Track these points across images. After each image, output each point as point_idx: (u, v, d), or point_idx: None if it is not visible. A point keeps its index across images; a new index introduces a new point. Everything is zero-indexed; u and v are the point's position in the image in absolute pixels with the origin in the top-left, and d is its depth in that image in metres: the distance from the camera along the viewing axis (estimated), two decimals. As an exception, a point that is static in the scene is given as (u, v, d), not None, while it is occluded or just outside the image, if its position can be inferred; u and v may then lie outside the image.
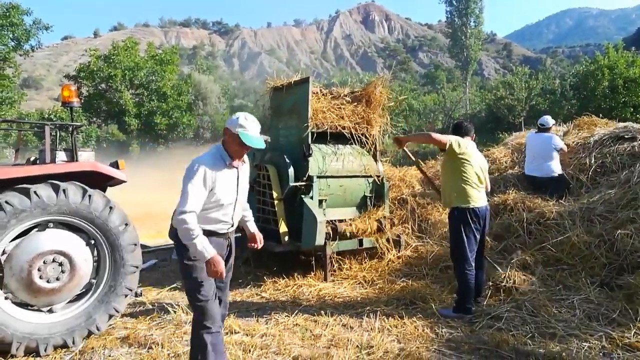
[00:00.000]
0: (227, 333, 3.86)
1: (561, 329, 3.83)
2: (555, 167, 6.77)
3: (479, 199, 4.31)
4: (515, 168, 7.74)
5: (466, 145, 4.36)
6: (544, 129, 7.07)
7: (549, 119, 7.23)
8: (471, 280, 4.29)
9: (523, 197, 6.53)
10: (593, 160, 6.91)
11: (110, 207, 3.80)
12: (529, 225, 5.91)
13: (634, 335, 3.63)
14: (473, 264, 4.31)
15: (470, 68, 51.14)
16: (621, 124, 7.96)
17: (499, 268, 5.02)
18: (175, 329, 3.99)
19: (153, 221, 9.72)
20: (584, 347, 3.47)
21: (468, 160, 4.30)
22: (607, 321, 3.95)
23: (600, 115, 9.08)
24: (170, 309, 4.41)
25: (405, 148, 4.80)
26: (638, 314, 3.96)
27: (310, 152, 5.65)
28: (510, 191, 6.84)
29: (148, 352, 3.50)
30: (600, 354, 3.41)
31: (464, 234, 4.26)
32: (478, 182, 4.34)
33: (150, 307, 4.69)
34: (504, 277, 4.84)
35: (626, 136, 7.08)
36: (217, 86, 45.07)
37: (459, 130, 4.61)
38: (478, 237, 4.36)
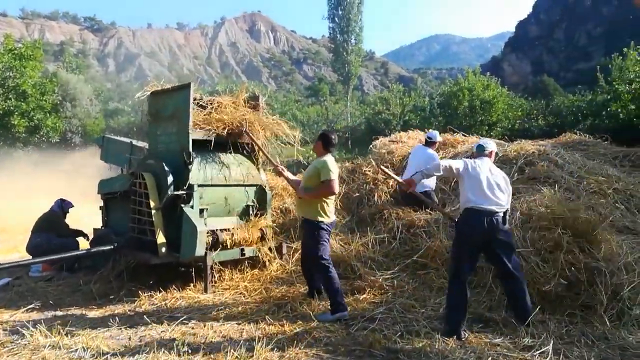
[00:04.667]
0: (93, 355, 3.57)
1: (426, 325, 4.19)
2: (431, 184, 7.06)
3: (330, 212, 4.73)
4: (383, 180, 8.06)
5: (334, 170, 4.65)
6: (430, 142, 7.32)
7: (436, 134, 7.50)
8: (337, 280, 4.58)
9: (397, 209, 6.98)
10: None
11: (-49, 219, 3.30)
12: (400, 234, 6.37)
13: (480, 327, 4.12)
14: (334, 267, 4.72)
15: (351, 82, 53.68)
16: (480, 141, 8.99)
17: (377, 273, 5.35)
18: (31, 355, 3.57)
19: (7, 234, 8.61)
20: (443, 341, 3.83)
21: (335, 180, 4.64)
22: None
23: (462, 133, 10.14)
24: (25, 332, 3.94)
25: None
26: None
27: (191, 160, 5.49)
28: (387, 204, 7.27)
29: (-4, 383, 3.09)
30: (458, 346, 3.78)
31: (322, 243, 4.60)
32: (333, 198, 4.78)
33: (2, 331, 4.14)
34: (379, 282, 5.18)
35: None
36: (89, 87, 41.46)
37: (329, 143, 4.82)
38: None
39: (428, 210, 6.75)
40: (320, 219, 4.62)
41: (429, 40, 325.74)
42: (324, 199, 4.65)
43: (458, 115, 31.13)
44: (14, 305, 5.09)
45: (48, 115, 32.75)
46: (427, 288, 5.23)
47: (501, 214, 4.13)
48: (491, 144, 4.58)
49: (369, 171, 8.28)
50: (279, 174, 5.35)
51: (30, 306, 4.95)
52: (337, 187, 4.66)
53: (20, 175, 21.66)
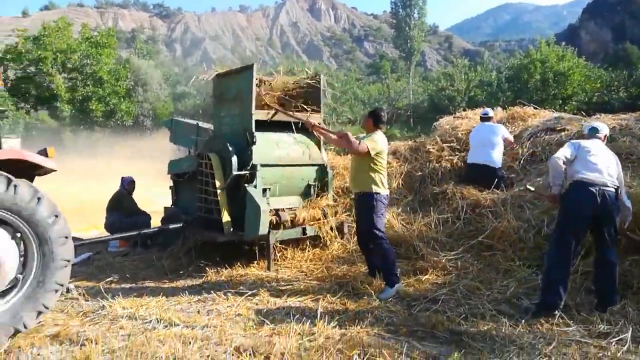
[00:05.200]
0: (166, 326, 3.78)
1: (491, 308, 4.05)
2: (497, 157, 6.86)
3: (385, 184, 4.78)
4: (447, 157, 7.87)
5: (381, 142, 4.67)
6: (486, 118, 7.39)
7: (489, 110, 7.71)
8: (392, 252, 4.69)
9: (461, 189, 6.77)
10: (525, 149, 7.30)
11: (39, 198, 3.57)
12: (465, 214, 6.17)
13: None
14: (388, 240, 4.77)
15: (413, 59, 52.35)
16: (554, 114, 8.45)
17: (440, 253, 5.25)
18: (110, 325, 3.85)
19: (87, 213, 9.28)
20: (510, 325, 3.69)
21: (382, 155, 4.69)
22: (534, 300, 4.21)
23: (532, 105, 9.55)
24: (105, 303, 4.24)
25: (316, 132, 5.37)
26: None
27: (254, 140, 5.59)
28: (450, 183, 7.06)
29: (81, 349, 3.35)
30: (527, 330, 3.63)
31: (378, 216, 4.65)
32: (385, 171, 4.81)
33: (84, 302, 4.49)
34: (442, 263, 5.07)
35: (557, 127, 7.53)
36: (158, 72, 43.30)
37: (379, 120, 4.86)
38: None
39: (495, 190, 6.48)
40: (376, 189, 4.63)
41: (498, 10, 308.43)
42: (379, 170, 4.65)
43: (528, 89, 29.44)
44: (94, 278, 5.49)
45: (122, 100, 34.66)
46: (493, 270, 5.04)
47: (613, 190, 3.93)
48: (605, 128, 4.51)
49: (433, 149, 8.05)
50: (312, 127, 5.39)
51: (109, 279, 5.32)
52: (363, 149, 4.57)
53: (98, 157, 23.19)
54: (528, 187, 4.93)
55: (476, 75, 36.07)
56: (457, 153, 7.76)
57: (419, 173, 7.71)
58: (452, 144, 8.01)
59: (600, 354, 3.24)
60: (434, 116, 11.16)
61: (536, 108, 9.32)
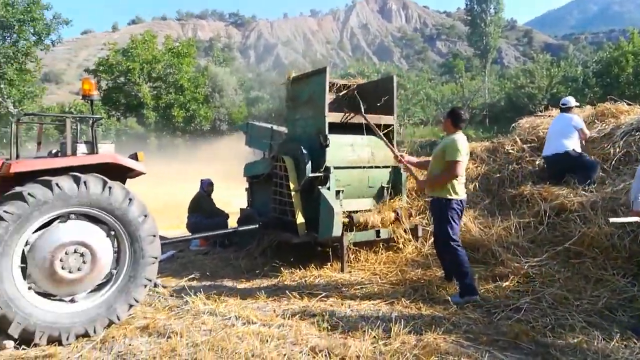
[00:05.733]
0: (244, 323, 3.90)
1: (581, 320, 3.77)
2: (571, 144, 6.45)
3: (463, 191, 4.58)
4: (528, 158, 7.40)
5: (462, 148, 4.47)
6: (565, 108, 6.96)
7: (570, 99, 7.15)
8: (467, 263, 4.47)
9: (540, 189, 6.38)
10: (617, 149, 6.73)
11: (130, 199, 3.85)
12: (548, 218, 5.80)
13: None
14: (463, 248, 4.57)
15: (489, 56, 50.22)
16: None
17: (522, 260, 4.98)
18: (193, 319, 4.04)
19: (170, 213, 9.84)
20: (603, 338, 3.41)
21: (463, 161, 4.49)
22: (630, 313, 3.88)
23: (625, 101, 8.77)
24: (188, 299, 4.47)
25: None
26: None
27: (327, 142, 5.64)
28: (528, 184, 6.67)
29: (167, 341, 3.55)
30: (623, 345, 3.34)
31: (452, 223, 4.46)
32: (464, 174, 4.60)
33: (169, 297, 4.76)
34: (524, 269, 4.80)
35: None
36: (234, 78, 45.13)
37: (458, 120, 4.65)
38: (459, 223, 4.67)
39: (582, 192, 6.04)
40: (449, 196, 4.45)
41: (583, 1, 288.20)
42: (461, 176, 4.50)
43: (619, 84, 27.23)
44: (178, 275, 5.80)
45: (201, 105, 36.48)
46: (582, 279, 4.69)
47: None
48: None
49: (512, 149, 7.66)
50: (400, 162, 5.28)
51: (191, 276, 5.60)
52: (461, 169, 4.45)
53: (179, 160, 24.52)
54: (612, 221, 4.48)
55: (559, 70, 33.92)
56: (538, 153, 7.32)
57: (497, 175, 7.37)
58: (532, 144, 7.57)
59: None
60: (512, 115, 10.61)
61: (629, 104, 8.55)
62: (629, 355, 3.18)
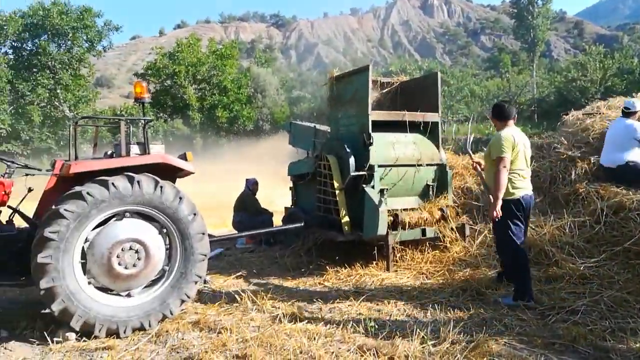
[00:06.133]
0: (291, 320, 3.94)
1: (645, 325, 3.58)
2: (631, 156, 5.89)
3: (523, 188, 4.29)
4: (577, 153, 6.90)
5: (514, 139, 4.25)
6: (627, 112, 6.16)
7: (636, 102, 6.25)
8: (526, 267, 4.25)
9: (596, 187, 6.06)
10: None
11: (180, 198, 3.96)
12: (605, 217, 5.51)
13: None
14: (525, 252, 4.32)
15: (537, 49, 48.37)
16: None
17: (578, 260, 4.77)
18: (242, 316, 4.12)
19: (217, 211, 10.07)
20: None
21: (517, 153, 4.25)
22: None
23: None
24: (236, 296, 4.55)
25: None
26: None
27: (371, 141, 5.60)
28: (583, 182, 6.34)
29: (218, 336, 3.64)
30: (691, 353, 3.14)
31: (511, 224, 4.23)
32: (523, 169, 4.31)
33: (218, 294, 4.87)
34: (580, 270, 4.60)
35: None
36: (275, 78, 45.68)
37: (502, 114, 4.46)
38: (524, 226, 4.35)
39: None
40: (507, 197, 4.23)
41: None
42: (514, 172, 4.24)
43: (681, 75, 25.60)
44: (225, 272, 5.93)
45: (244, 106, 37.13)
46: (644, 281, 4.44)
47: None
48: None
49: (561, 149, 7.29)
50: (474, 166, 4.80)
51: (238, 274, 5.71)
52: (507, 163, 4.17)
53: (224, 160, 25.04)
54: None
55: (614, 62, 32.30)
56: (591, 156, 6.85)
57: (549, 172, 7.08)
58: (582, 149, 7.08)
59: None
60: (562, 110, 10.06)
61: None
62: (699, 362, 2.98)
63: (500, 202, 4.17)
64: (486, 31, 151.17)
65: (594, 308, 3.97)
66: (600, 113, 8.06)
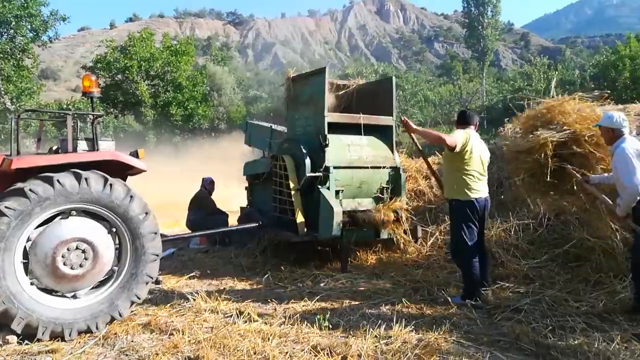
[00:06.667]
0: (245, 321, 3.91)
1: (581, 322, 3.80)
2: None
3: (479, 190, 4.39)
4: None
5: (470, 139, 4.39)
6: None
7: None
8: (475, 269, 4.36)
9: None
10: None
11: (131, 196, 3.84)
12: (547, 220, 5.82)
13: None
14: (476, 254, 4.39)
15: (487, 59, 50.27)
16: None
17: (522, 261, 5.00)
18: (195, 317, 4.04)
19: (170, 211, 9.83)
20: (604, 340, 3.43)
21: (471, 153, 4.35)
22: (629, 316, 3.90)
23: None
24: (189, 297, 4.46)
25: (413, 135, 4.85)
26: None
27: (327, 142, 5.64)
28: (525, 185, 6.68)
29: (169, 338, 3.55)
30: (623, 347, 3.36)
31: (464, 225, 4.35)
32: (480, 173, 4.42)
33: (170, 294, 4.76)
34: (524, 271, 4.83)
35: None
36: (232, 77, 45.02)
37: (464, 119, 4.62)
38: (477, 228, 4.44)
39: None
40: (458, 195, 4.38)
41: (579, 5, 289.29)
42: (468, 173, 4.35)
43: (617, 88, 27.34)
44: (178, 272, 5.80)
45: (199, 104, 36.36)
46: (582, 281, 4.72)
47: None
48: None
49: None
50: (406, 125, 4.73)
51: (191, 274, 5.60)
52: (451, 142, 4.28)
53: (178, 158, 24.45)
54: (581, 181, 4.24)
55: (557, 74, 34.07)
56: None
57: (496, 176, 7.39)
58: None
59: None
60: (510, 119, 10.49)
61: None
62: (630, 357, 3.20)
63: (415, 127, 4.59)
64: (440, 39, 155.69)
65: (536, 307, 4.17)
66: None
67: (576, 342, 3.45)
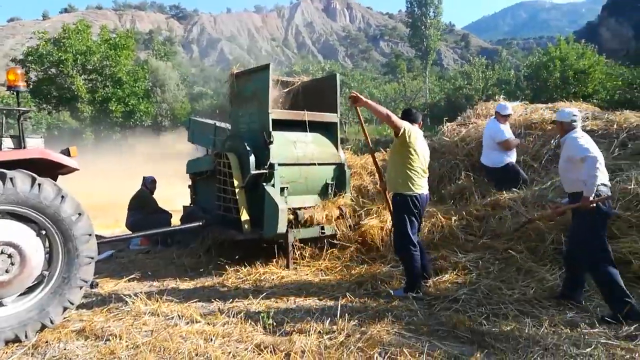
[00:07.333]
0: (187, 323, 3.82)
1: (513, 308, 4.00)
2: (499, 158, 6.71)
3: (422, 186, 4.56)
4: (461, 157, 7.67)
5: (415, 134, 4.53)
6: (500, 116, 6.92)
7: (506, 106, 7.04)
8: (417, 260, 4.51)
9: (475, 186, 6.73)
10: (549, 147, 7.19)
11: (62, 196, 3.64)
12: (485, 213, 6.09)
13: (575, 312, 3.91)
14: (417, 247, 4.55)
15: (429, 58, 51.87)
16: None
17: (459, 253, 5.19)
18: (133, 320, 3.90)
19: (109, 211, 9.43)
20: (534, 326, 3.64)
21: (415, 149, 4.49)
22: (556, 301, 4.16)
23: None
24: (128, 300, 4.30)
25: (357, 108, 4.86)
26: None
27: (272, 139, 5.61)
28: (466, 181, 7.00)
29: (105, 344, 3.41)
30: (551, 331, 3.58)
31: (407, 219, 4.50)
32: (423, 170, 4.59)
33: (107, 298, 4.56)
34: (462, 262, 5.02)
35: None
36: (176, 73, 43.76)
37: (408, 116, 4.75)
38: (418, 222, 4.65)
39: (514, 189, 6.39)
40: (406, 191, 4.48)
41: (515, 8, 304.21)
42: (413, 169, 4.46)
43: (548, 87, 29.01)
44: (117, 275, 5.58)
45: (141, 100, 35.06)
46: (515, 270, 4.97)
47: None
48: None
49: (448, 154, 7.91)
50: (355, 100, 4.67)
51: (131, 276, 5.40)
52: (398, 123, 4.42)
53: (118, 156, 23.49)
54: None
55: (494, 73, 35.73)
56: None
57: (438, 172, 7.65)
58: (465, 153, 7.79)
59: (628, 357, 3.17)
60: (452, 115, 10.89)
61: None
62: (557, 340, 3.40)
63: (365, 100, 4.51)
64: (385, 37, 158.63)
65: (472, 296, 4.36)
66: (474, 123, 8.79)
67: (508, 328, 3.64)
